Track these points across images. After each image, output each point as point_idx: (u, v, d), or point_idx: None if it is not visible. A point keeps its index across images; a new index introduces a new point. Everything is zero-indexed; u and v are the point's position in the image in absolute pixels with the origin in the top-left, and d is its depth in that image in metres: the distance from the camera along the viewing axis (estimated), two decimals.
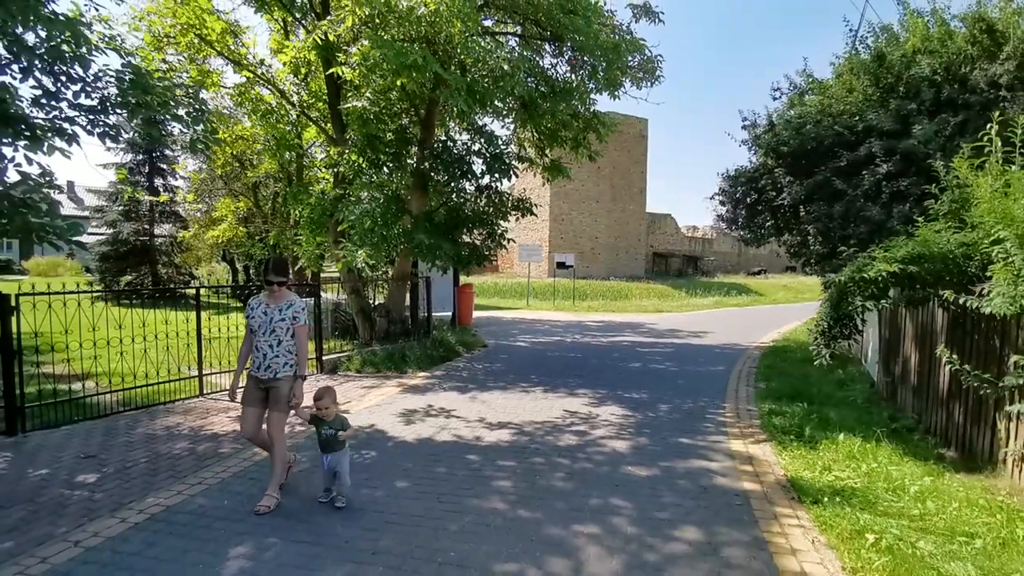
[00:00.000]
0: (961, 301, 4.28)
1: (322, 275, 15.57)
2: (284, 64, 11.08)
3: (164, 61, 10.51)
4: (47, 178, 5.60)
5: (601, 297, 27.06)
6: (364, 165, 9.98)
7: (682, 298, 28.26)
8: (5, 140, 5.06)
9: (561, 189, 30.75)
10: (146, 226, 21.82)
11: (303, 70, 11.41)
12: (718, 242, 46.09)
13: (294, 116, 11.95)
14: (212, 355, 7.68)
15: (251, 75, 11.50)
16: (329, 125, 10.94)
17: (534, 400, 7.10)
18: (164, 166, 22.73)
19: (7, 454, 5.08)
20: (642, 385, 8.00)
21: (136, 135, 6.33)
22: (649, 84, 11.47)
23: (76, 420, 6.10)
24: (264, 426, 4.13)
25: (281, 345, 4.04)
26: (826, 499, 3.97)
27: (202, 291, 8.54)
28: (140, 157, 22.01)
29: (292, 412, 4.16)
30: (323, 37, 7.68)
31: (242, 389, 4.20)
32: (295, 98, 11.59)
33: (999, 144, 4.96)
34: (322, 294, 13.95)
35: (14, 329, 5.58)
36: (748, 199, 10.47)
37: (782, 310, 22.13)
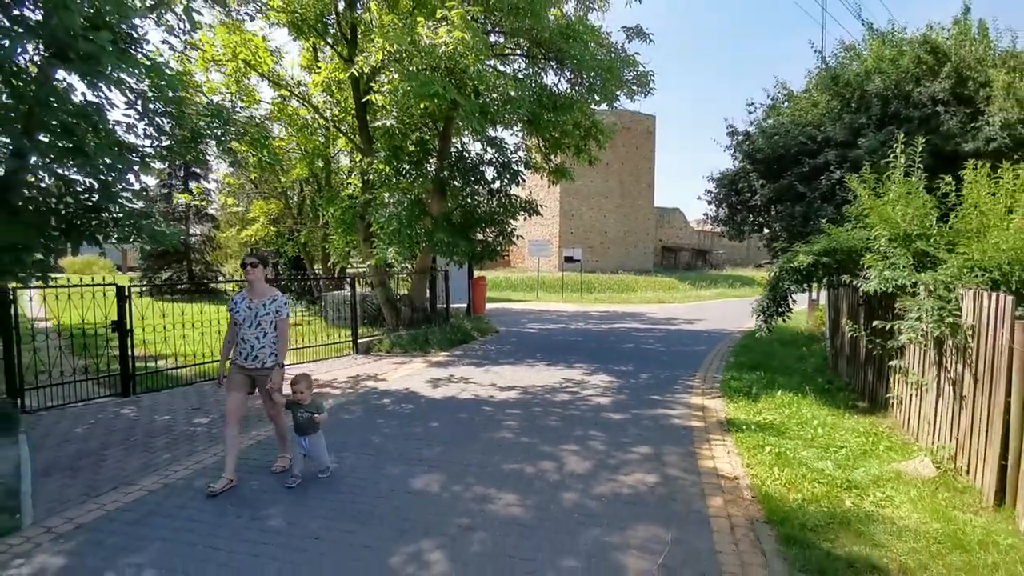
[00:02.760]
0: (852, 283, 5.63)
1: (348, 270, 17.15)
2: (317, 84, 12.58)
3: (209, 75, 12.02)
4: (145, 192, 7.15)
5: (608, 290, 28.38)
6: (390, 173, 11.45)
7: (686, 290, 29.47)
8: (124, 165, 6.56)
9: (571, 186, 31.99)
10: (183, 226, 23.63)
11: (333, 88, 12.90)
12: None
13: (326, 129, 13.42)
14: None
15: (288, 93, 13.02)
16: (358, 137, 12.41)
17: (537, 371, 8.54)
18: (198, 170, 24.49)
19: (132, 407, 6.62)
20: (630, 360, 9.41)
21: (219, 158, 7.72)
22: (643, 96, 12.83)
23: (170, 387, 7.66)
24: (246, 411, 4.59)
25: (267, 337, 4.30)
26: (748, 429, 5.37)
27: (229, 285, 10.07)
28: (177, 162, 23.78)
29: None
30: (359, 71, 9.13)
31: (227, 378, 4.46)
32: (327, 113, 13.06)
33: (902, 160, 6.25)
34: (346, 287, 15.53)
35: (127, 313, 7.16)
36: (730, 199, 11.77)
37: None
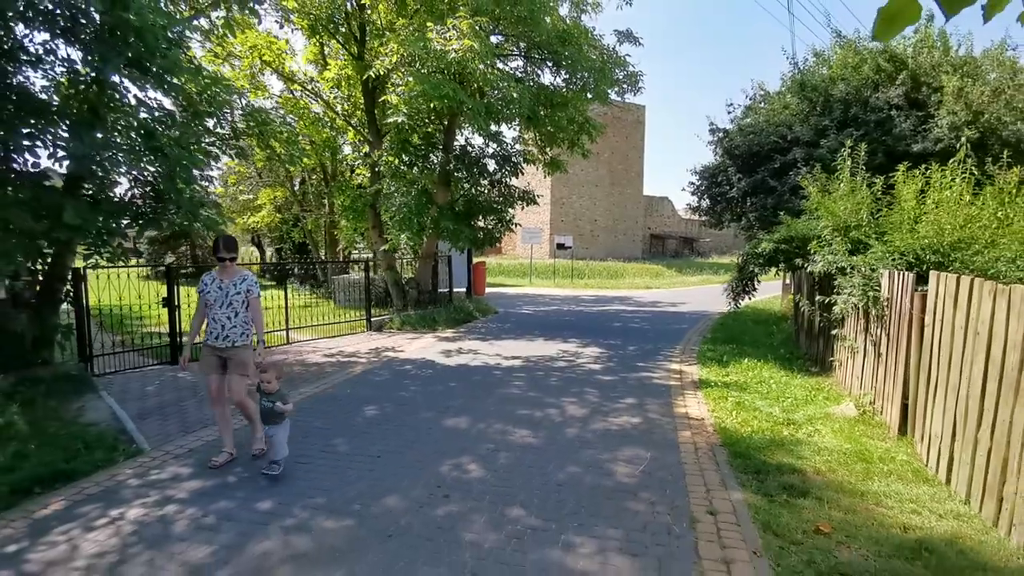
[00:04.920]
0: (804, 267, 6.74)
1: (354, 255, 18.08)
2: (328, 80, 13.43)
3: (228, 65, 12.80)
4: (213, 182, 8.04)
5: (598, 276, 29.49)
6: (398, 164, 12.38)
7: (673, 276, 30.67)
8: (186, 161, 7.44)
9: (562, 175, 32.80)
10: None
11: (343, 84, 13.75)
12: None
13: (337, 123, 14.27)
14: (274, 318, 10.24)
15: (302, 89, 13.85)
16: (367, 131, 13.29)
17: (537, 345, 9.62)
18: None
19: (186, 372, 7.57)
20: (619, 336, 10.53)
21: (255, 154, 8.56)
22: (632, 94, 13.85)
23: None
24: (227, 391, 4.38)
25: (238, 317, 4.32)
26: (716, 386, 6.49)
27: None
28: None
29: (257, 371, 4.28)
30: (376, 73, 10.04)
31: (195, 362, 4.50)
32: (338, 108, 13.91)
33: (849, 163, 7.33)
34: (351, 272, 16.46)
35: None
36: (711, 191, 12.85)
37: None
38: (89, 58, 5.30)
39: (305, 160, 16.67)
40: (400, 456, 4.53)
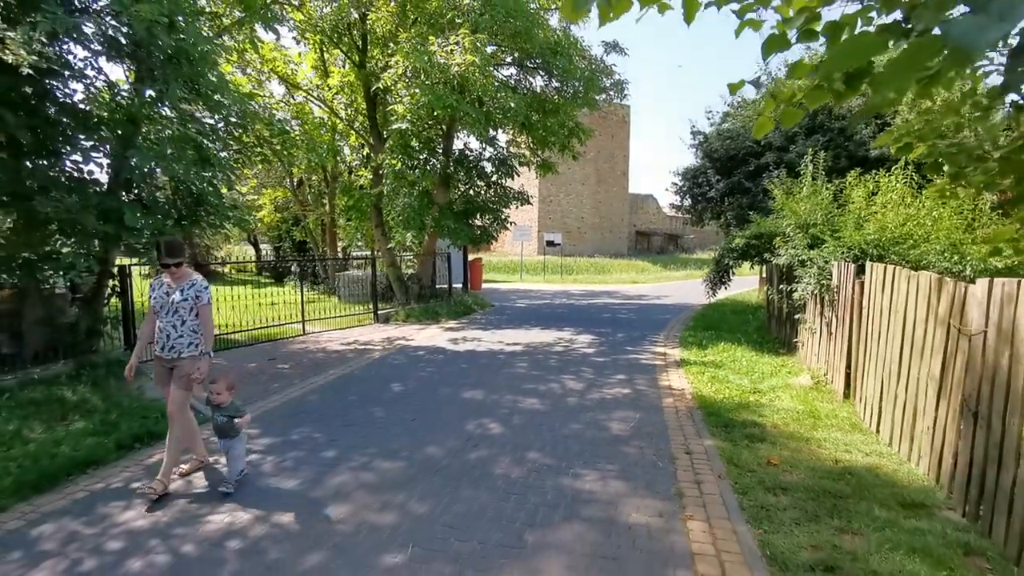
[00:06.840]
0: (771, 260, 7.72)
1: (353, 253, 18.81)
2: (332, 87, 14.18)
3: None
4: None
5: (586, 272, 30.50)
6: (400, 167, 13.19)
7: (658, 271, 31.81)
8: (222, 169, 8.17)
9: (550, 173, 33.92)
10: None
11: (346, 90, 14.50)
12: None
13: (340, 127, 15.03)
14: (289, 311, 11.05)
15: (306, 95, 14.59)
16: (369, 135, 14.07)
17: (534, 333, 10.53)
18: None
19: (219, 359, 8.36)
20: (609, 325, 11.48)
21: (279, 161, 9.28)
22: (619, 100, 14.81)
23: (232, 347, 9.38)
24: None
25: (185, 325, 4.01)
26: (695, 364, 7.46)
27: (227, 267, 11.69)
28: None
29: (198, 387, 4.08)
30: (384, 86, 10.85)
31: (140, 367, 4.18)
32: (342, 114, 14.67)
33: (811, 168, 8.33)
34: (350, 268, 17.23)
35: None
36: (692, 191, 13.85)
37: (737, 280, 25.67)
38: (152, 80, 6.06)
39: (311, 163, 17.40)
40: (431, 419, 5.42)
